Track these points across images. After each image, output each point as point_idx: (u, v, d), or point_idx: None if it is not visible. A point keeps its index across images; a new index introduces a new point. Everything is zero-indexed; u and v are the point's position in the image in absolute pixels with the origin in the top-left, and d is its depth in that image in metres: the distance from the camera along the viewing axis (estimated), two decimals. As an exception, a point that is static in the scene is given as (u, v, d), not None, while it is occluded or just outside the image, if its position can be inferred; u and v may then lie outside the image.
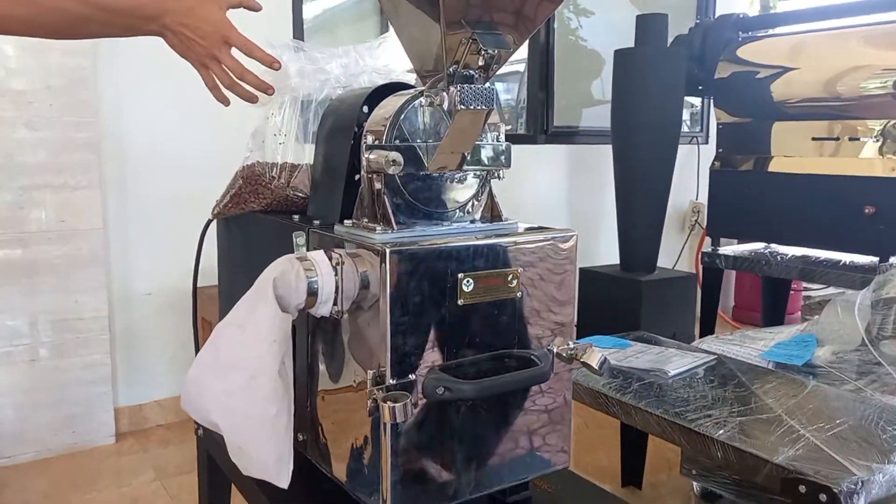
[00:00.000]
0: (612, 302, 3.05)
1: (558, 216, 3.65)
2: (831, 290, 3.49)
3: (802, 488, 1.16)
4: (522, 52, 3.68)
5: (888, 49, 2.47)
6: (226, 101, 1.08)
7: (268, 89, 1.04)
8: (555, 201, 3.66)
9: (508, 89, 4.01)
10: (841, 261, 2.68)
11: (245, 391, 0.86)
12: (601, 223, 3.65)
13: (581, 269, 3.24)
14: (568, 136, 3.75)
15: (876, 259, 2.48)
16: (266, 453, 0.87)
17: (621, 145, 3.12)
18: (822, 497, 1.13)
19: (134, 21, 0.99)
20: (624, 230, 3.18)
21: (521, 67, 3.73)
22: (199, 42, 0.99)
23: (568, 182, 3.71)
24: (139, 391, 2.66)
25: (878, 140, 2.54)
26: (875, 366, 1.62)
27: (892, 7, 2.72)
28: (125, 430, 2.61)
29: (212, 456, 1.31)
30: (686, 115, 4.30)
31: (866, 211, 2.50)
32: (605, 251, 3.59)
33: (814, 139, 2.70)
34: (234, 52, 1.03)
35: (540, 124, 3.63)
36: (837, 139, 2.65)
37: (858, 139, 2.60)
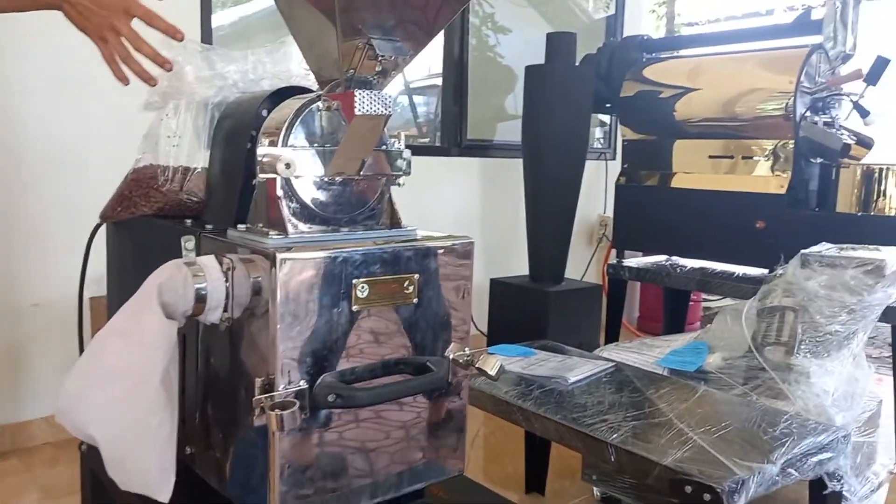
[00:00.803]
0: (522, 312, 3.10)
1: (471, 228, 3.69)
2: (729, 301, 3.67)
3: (688, 488, 1.21)
4: (441, 65, 3.72)
5: (780, 73, 2.63)
6: (124, 79, 1.05)
7: (164, 63, 1.02)
8: (468, 213, 3.70)
9: (427, 102, 4.04)
10: (735, 273, 2.82)
11: (126, 401, 0.82)
12: (513, 235, 3.72)
13: (491, 280, 3.29)
14: (482, 149, 3.80)
15: (766, 271, 2.63)
16: (147, 465, 0.83)
17: (531, 159, 3.19)
18: (707, 496, 1.18)
19: None
20: (533, 242, 3.24)
21: (440, 81, 3.77)
22: (98, 12, 0.97)
23: (481, 194, 3.77)
24: (25, 407, 2.50)
25: (769, 159, 2.70)
26: (760, 371, 1.71)
27: (784, 34, 2.90)
28: (7, 448, 2.45)
29: (96, 473, 1.25)
30: (599, 133, 4.45)
31: (757, 225, 2.64)
32: (516, 262, 3.66)
33: (710, 157, 2.84)
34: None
35: (454, 137, 3.67)
36: (732, 157, 2.80)
37: (752, 158, 2.75)
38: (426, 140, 3.92)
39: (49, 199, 2.46)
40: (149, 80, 1.03)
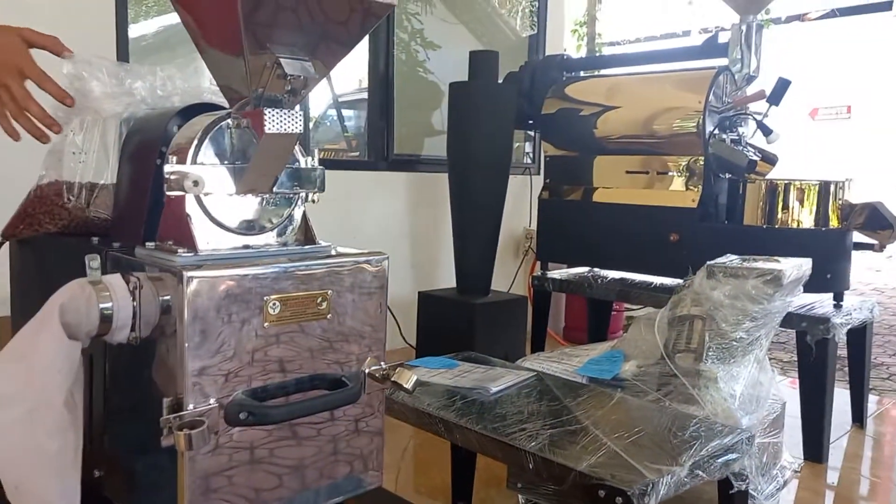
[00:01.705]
0: (449, 324, 3.13)
1: (400, 242, 3.71)
2: (650, 310, 3.80)
3: (601, 492, 1.25)
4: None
5: (694, 92, 2.75)
6: (15, 136, 1.04)
7: (52, 126, 1.02)
8: (396, 227, 3.72)
9: (358, 115, 4.04)
10: (653, 283, 2.92)
11: (23, 425, 0.80)
12: (441, 249, 3.75)
13: (419, 293, 3.31)
14: (409, 163, 3.83)
15: (681, 281, 2.74)
16: (47, 492, 0.81)
17: (456, 174, 3.24)
18: (619, 500, 1.22)
19: None
20: (460, 255, 3.28)
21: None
22: None
23: (409, 209, 3.79)
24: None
25: (682, 174, 2.82)
26: (672, 378, 1.79)
27: (695, 56, 3.04)
28: None
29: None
30: (529, 147, 4.55)
31: (672, 238, 2.75)
32: (445, 275, 3.69)
33: (628, 172, 2.95)
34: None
35: (381, 152, 3.69)
36: (648, 173, 2.91)
37: (667, 173, 2.86)
38: (356, 154, 3.92)
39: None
40: (41, 137, 1.03)
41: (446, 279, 3.64)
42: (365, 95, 3.79)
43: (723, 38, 2.91)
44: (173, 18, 3.29)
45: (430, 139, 4.13)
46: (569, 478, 1.31)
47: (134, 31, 2.86)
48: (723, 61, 2.83)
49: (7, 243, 1.18)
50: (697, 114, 2.70)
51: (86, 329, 0.83)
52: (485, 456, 1.52)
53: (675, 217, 2.77)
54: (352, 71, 3.87)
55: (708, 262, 1.90)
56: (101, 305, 0.84)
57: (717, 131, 2.74)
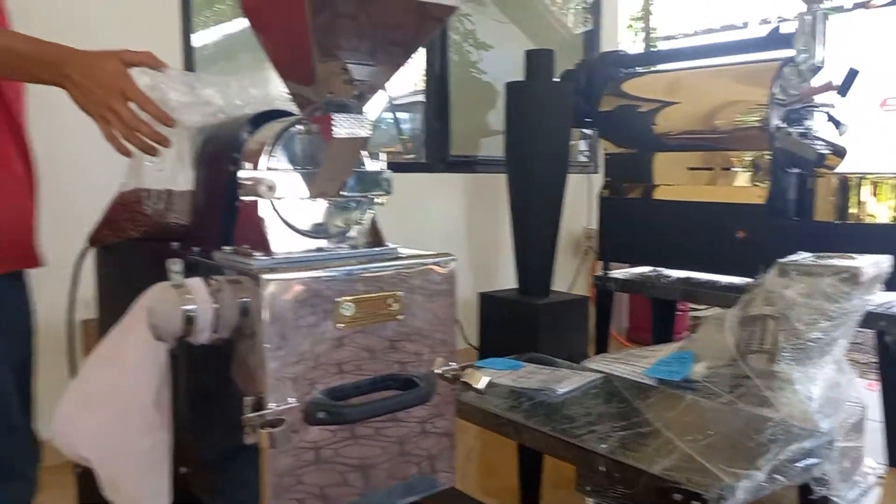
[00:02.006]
0: (511, 325, 3.12)
1: (458, 243, 3.72)
2: (717, 310, 3.70)
3: (677, 496, 1.22)
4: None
5: (758, 85, 2.68)
6: (128, 153, 1.06)
7: (163, 142, 1.03)
8: (454, 229, 3.72)
9: (412, 118, 4.07)
10: (719, 282, 2.85)
11: (116, 423, 0.83)
12: (500, 249, 3.74)
13: (480, 294, 3.31)
14: (466, 164, 3.84)
15: (750, 280, 2.66)
16: (140, 488, 0.84)
17: (515, 174, 3.23)
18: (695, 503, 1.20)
19: (34, 67, 1.00)
20: (520, 256, 3.27)
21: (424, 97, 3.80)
22: (96, 92, 0.99)
23: (467, 210, 3.79)
24: (15, 435, 2.48)
25: (747, 170, 2.74)
26: (745, 379, 1.73)
27: (758, 48, 2.96)
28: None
29: (90, 496, 1.25)
30: (584, 146, 4.50)
31: (739, 235, 2.68)
32: (505, 276, 3.68)
33: (690, 169, 2.88)
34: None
35: (438, 153, 3.70)
36: (711, 169, 2.84)
37: (730, 169, 2.79)
38: (412, 156, 3.95)
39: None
40: (153, 153, 1.05)
41: (505, 280, 3.63)
42: (419, 98, 3.81)
43: (786, 28, 2.81)
44: (233, 27, 3.40)
45: (487, 140, 4.13)
46: (641, 481, 1.29)
47: (196, 40, 2.95)
48: (787, 52, 2.74)
49: (92, 249, 1.23)
50: (762, 107, 2.62)
51: (171, 331, 0.86)
52: (553, 458, 1.51)
53: (742, 213, 2.70)
54: (406, 74, 3.91)
55: (779, 260, 1.84)
56: (184, 308, 0.86)
57: (783, 125, 2.65)
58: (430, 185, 3.59)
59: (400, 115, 4.17)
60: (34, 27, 1.12)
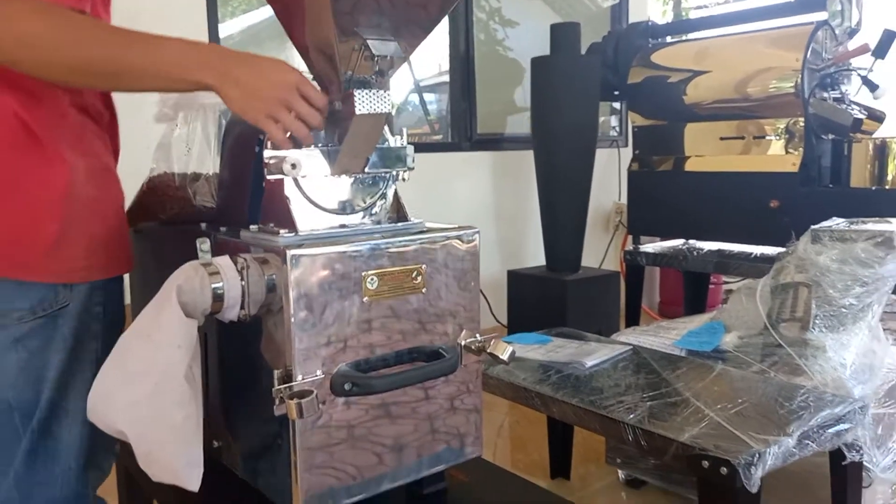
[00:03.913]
0: (540, 302, 3.12)
1: (486, 221, 3.72)
2: (749, 281, 3.66)
3: (705, 463, 1.23)
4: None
5: (790, 51, 2.62)
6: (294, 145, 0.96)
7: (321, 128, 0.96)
8: (482, 207, 3.73)
9: (438, 99, 4.07)
10: (752, 253, 2.81)
11: (151, 398, 0.86)
12: (527, 226, 3.74)
13: (509, 271, 3.31)
14: (493, 142, 3.83)
15: (783, 249, 2.62)
16: (175, 458, 0.87)
17: (541, 150, 3.21)
18: (723, 470, 1.20)
19: (182, 70, 0.89)
20: (548, 232, 3.26)
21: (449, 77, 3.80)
22: (268, 90, 0.89)
23: (494, 187, 3.79)
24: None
25: (780, 138, 2.69)
26: (776, 348, 1.72)
27: (790, 12, 2.89)
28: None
29: (129, 471, 1.30)
30: (615, 121, 4.45)
31: (772, 205, 2.63)
32: (533, 253, 3.68)
33: (722, 139, 2.84)
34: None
35: (464, 132, 3.70)
36: (743, 138, 2.79)
37: (763, 137, 2.74)
38: (439, 137, 3.95)
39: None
40: (310, 140, 0.96)
41: (534, 257, 3.62)
42: (444, 79, 3.80)
43: (819, -10, 2.74)
44: (259, 16, 3.43)
45: (513, 117, 4.11)
46: (670, 449, 1.29)
47: (222, 29, 2.98)
48: (821, 15, 2.67)
49: (124, 233, 1.27)
50: (795, 73, 2.56)
51: (201, 308, 0.89)
52: (582, 429, 1.52)
53: (775, 182, 2.65)
54: (431, 55, 3.90)
55: (812, 227, 1.81)
56: (213, 285, 0.89)
57: (817, 90, 2.59)
58: (457, 165, 3.60)
59: (426, 96, 4.17)
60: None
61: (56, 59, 0.85)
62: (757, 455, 1.21)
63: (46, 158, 0.91)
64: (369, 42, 0.90)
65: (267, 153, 0.95)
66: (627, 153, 3.98)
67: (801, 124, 2.59)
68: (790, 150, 2.65)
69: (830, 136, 2.60)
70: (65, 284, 0.95)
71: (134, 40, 0.87)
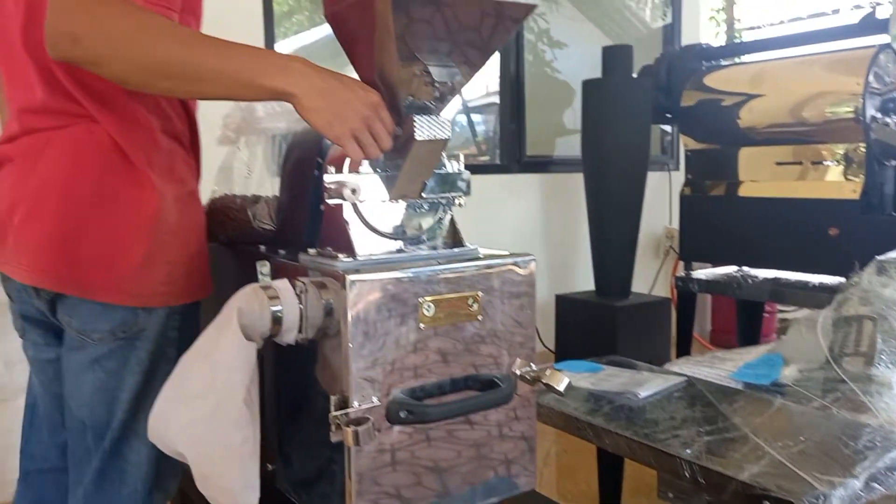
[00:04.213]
0: (589, 327, 3.07)
1: (534, 244, 3.69)
2: (806, 311, 3.54)
3: (767, 504, 1.18)
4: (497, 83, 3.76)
5: (851, 74, 2.55)
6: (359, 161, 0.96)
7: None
8: (530, 229, 3.70)
9: (486, 120, 4.08)
10: (810, 282, 2.73)
11: (210, 420, 0.87)
12: (576, 250, 3.70)
13: (557, 296, 3.28)
14: (542, 165, 3.81)
15: (843, 279, 2.53)
16: (232, 481, 0.88)
17: (592, 173, 3.18)
18: (786, 512, 1.15)
19: (261, 76, 0.87)
20: (598, 256, 3.22)
21: (498, 98, 3.80)
22: (358, 107, 0.87)
23: (543, 210, 3.76)
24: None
25: (840, 164, 2.61)
26: (839, 383, 1.65)
27: (850, 35, 2.82)
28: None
29: (183, 490, 1.31)
30: (663, 143, 4.39)
31: (831, 233, 2.56)
32: (581, 277, 3.63)
33: (778, 164, 2.77)
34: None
35: (513, 154, 3.69)
36: (801, 164, 2.72)
37: (821, 163, 2.67)
38: (485, 158, 3.95)
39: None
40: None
41: (583, 282, 3.58)
42: (492, 100, 3.81)
43: (882, 12, 2.66)
44: (311, 37, 3.49)
45: (562, 139, 4.08)
46: (729, 487, 1.25)
47: (280, 48, 3.04)
48: (883, 38, 2.59)
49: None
50: (856, 97, 2.49)
51: (259, 330, 0.90)
52: (635, 462, 1.48)
53: (834, 210, 2.57)
54: (479, 77, 3.91)
55: (877, 258, 1.75)
56: (273, 308, 0.89)
57: (879, 115, 2.51)
58: (505, 186, 3.59)
59: (473, 117, 4.19)
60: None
61: (138, 58, 0.85)
62: (822, 497, 1.16)
63: (138, 183, 0.93)
64: (430, 68, 0.91)
65: (328, 177, 0.96)
66: (678, 177, 3.92)
67: (862, 150, 2.52)
68: (850, 177, 2.57)
69: (893, 163, 2.52)
70: (145, 308, 0.96)
71: (214, 44, 0.87)
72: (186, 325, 1.02)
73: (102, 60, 0.85)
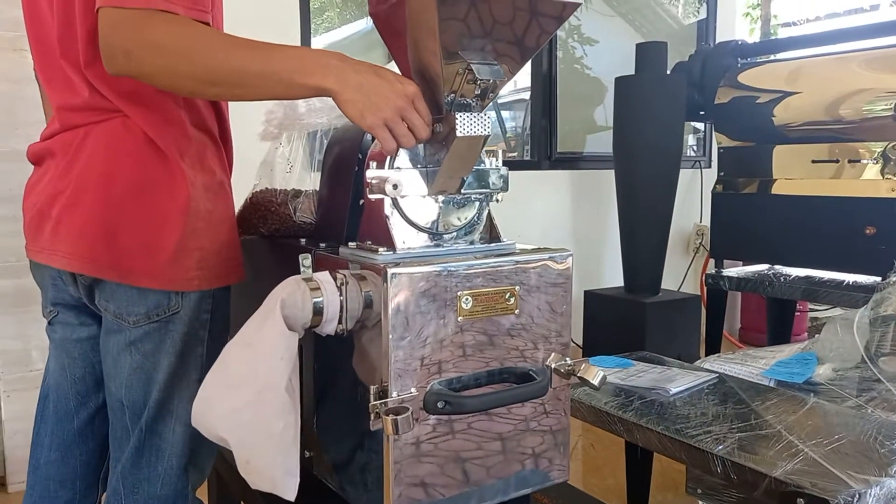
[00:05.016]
0: (618, 324, 3.07)
1: (563, 240, 3.69)
2: (839, 311, 3.50)
3: (801, 501, 1.18)
4: (528, 80, 3.75)
5: (888, 72, 2.51)
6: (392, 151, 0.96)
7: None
8: (560, 225, 3.70)
9: (515, 117, 4.08)
10: (844, 281, 2.69)
11: (253, 407, 0.89)
12: (606, 246, 3.69)
13: (586, 292, 3.27)
14: (572, 161, 3.80)
15: (878, 278, 2.50)
16: (273, 467, 0.90)
17: (623, 170, 3.17)
18: (820, 511, 1.15)
19: (303, 76, 0.89)
20: (628, 253, 3.21)
21: (527, 95, 3.80)
22: (391, 97, 0.90)
23: (573, 206, 3.76)
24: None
25: (878, 162, 2.57)
26: (875, 382, 1.64)
27: (889, 32, 2.77)
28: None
29: (220, 473, 1.34)
30: (693, 140, 4.36)
31: (867, 231, 2.52)
32: (610, 274, 3.62)
33: (813, 162, 2.74)
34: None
35: (544, 150, 3.69)
36: (837, 162, 2.69)
37: (859, 161, 2.63)
38: (514, 154, 3.96)
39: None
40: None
41: (612, 278, 3.57)
42: (521, 96, 3.81)
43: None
44: (342, 34, 3.52)
45: (592, 136, 4.07)
46: (762, 484, 1.25)
47: (315, 43, 3.07)
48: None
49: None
50: (894, 95, 2.45)
51: (301, 321, 0.92)
52: (666, 458, 1.48)
53: (871, 208, 2.54)
54: (509, 73, 3.91)
55: (916, 257, 1.72)
56: (314, 299, 0.92)
57: (920, 113, 2.47)
58: (536, 182, 3.59)
59: (503, 113, 4.19)
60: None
61: (187, 70, 0.88)
62: (857, 495, 1.15)
63: (171, 173, 0.98)
64: (473, 66, 0.92)
65: (369, 173, 0.98)
66: (709, 174, 3.89)
67: (901, 148, 2.48)
68: (888, 175, 2.53)
69: (933, 162, 2.48)
70: (178, 292, 1.00)
71: (256, 48, 0.90)
72: (217, 309, 1.07)
73: (155, 73, 0.89)
